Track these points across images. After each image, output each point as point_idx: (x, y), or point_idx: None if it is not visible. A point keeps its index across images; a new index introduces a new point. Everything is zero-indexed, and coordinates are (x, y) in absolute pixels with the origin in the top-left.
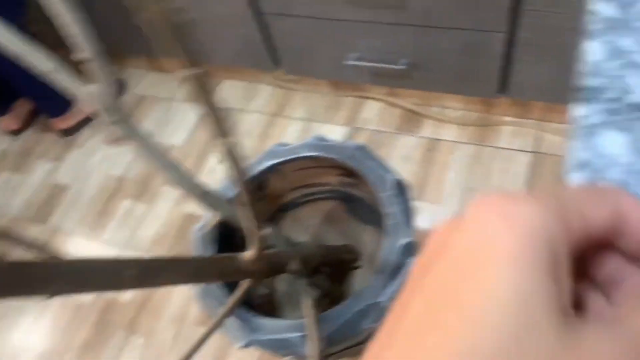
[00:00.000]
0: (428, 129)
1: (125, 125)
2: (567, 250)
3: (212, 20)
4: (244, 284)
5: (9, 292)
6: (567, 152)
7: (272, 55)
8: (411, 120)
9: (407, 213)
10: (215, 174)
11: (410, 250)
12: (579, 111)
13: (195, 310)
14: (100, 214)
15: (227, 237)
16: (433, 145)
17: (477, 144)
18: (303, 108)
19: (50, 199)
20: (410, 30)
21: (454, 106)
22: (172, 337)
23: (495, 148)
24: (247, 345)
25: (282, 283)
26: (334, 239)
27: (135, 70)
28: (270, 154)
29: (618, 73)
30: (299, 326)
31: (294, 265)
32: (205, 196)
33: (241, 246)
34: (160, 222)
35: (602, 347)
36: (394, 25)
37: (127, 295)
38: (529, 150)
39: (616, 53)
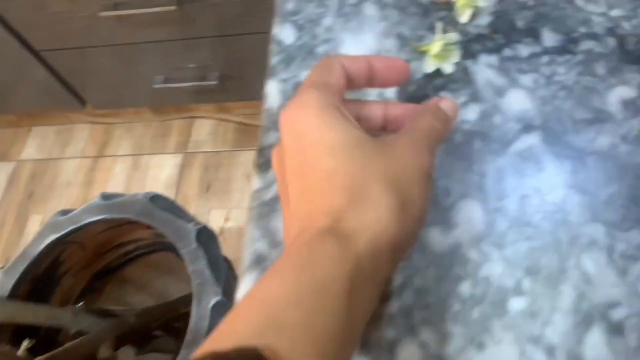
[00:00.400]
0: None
1: None
2: (339, 98)
3: None
4: None
5: None
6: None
7: (73, 93)
8: (246, 133)
9: (216, 266)
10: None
11: (222, 308)
12: (255, 183)
13: None
14: None
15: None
16: None
17: None
18: (128, 142)
19: None
20: (203, 39)
21: None
22: None
23: None
24: None
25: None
26: (173, 290)
27: None
28: (51, 227)
29: None
30: None
31: (104, 352)
32: None
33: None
34: None
35: (400, 142)
36: (190, 40)
37: None
38: None
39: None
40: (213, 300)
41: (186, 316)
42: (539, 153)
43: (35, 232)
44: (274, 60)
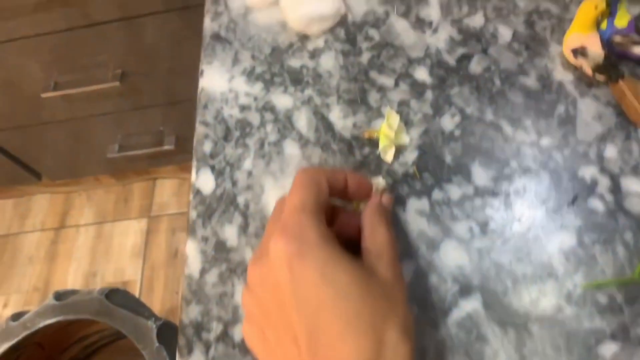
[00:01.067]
0: None
1: None
2: (322, 218)
3: None
4: None
5: None
6: None
7: (26, 167)
8: None
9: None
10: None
11: None
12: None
13: None
14: None
15: None
16: None
17: None
18: (90, 210)
19: None
20: (154, 106)
21: None
22: None
23: None
24: None
25: None
26: None
27: None
28: (4, 334)
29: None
30: None
31: None
32: None
33: None
34: None
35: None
36: (140, 109)
37: None
38: None
39: (217, 261)
40: None
41: None
42: (480, 322)
43: None
44: (192, 214)
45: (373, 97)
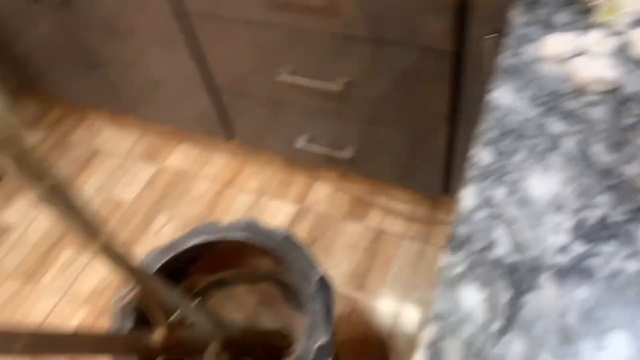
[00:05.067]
0: (376, 219)
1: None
2: None
3: (170, 87)
4: None
5: None
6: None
7: (227, 127)
8: (359, 207)
9: (328, 312)
10: (160, 235)
11: (326, 351)
12: (445, 259)
13: None
14: (41, 260)
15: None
16: (379, 236)
17: (423, 242)
18: (256, 180)
19: None
20: (355, 119)
21: (403, 199)
22: None
23: (439, 248)
24: None
25: None
26: (268, 322)
27: (94, 122)
28: (200, 230)
29: (485, 224)
30: None
31: (214, 347)
32: (124, 265)
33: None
34: (99, 278)
35: None
36: (340, 114)
37: None
38: None
39: (486, 203)
40: (320, 341)
41: (273, 350)
42: None
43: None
44: (470, 173)
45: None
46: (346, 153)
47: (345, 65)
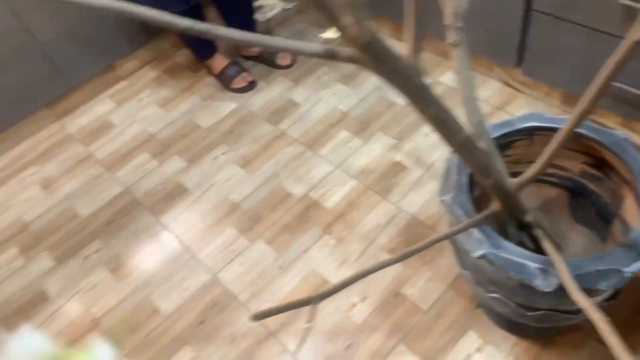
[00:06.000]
0: None
1: None
2: None
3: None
4: (495, 206)
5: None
6: None
7: (519, 52)
8: None
9: None
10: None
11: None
12: None
13: (383, 239)
14: (321, 134)
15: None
16: None
17: None
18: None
19: (284, 110)
20: None
21: None
22: (359, 250)
23: None
24: (482, 257)
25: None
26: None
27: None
28: (530, 117)
29: None
30: (541, 260)
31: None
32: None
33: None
34: (369, 159)
35: None
36: None
37: (330, 203)
38: None
39: None
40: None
41: None
42: None
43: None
44: None
45: None
46: None
47: None
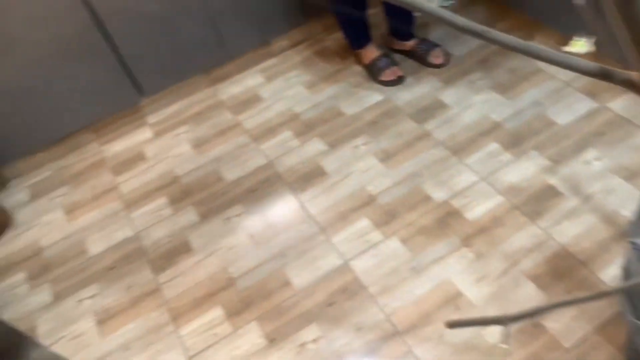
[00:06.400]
0: None
1: None
2: None
3: None
4: None
5: None
6: None
7: None
8: None
9: None
10: (590, 166)
11: None
12: None
13: (528, 263)
14: (469, 141)
15: None
16: None
17: None
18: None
19: (431, 109)
20: None
21: None
22: (500, 270)
23: None
24: None
25: None
26: None
27: (542, 40)
28: None
29: None
30: None
31: None
32: None
33: None
34: (520, 177)
35: None
36: None
37: (473, 215)
38: None
39: None
40: None
41: None
42: None
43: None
44: None
45: None
46: None
47: None
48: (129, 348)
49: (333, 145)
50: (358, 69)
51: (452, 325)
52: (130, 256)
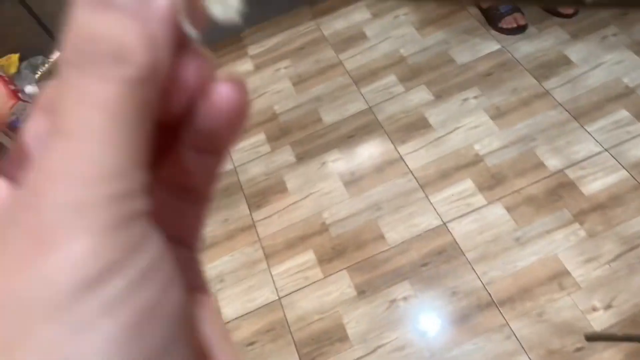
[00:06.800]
0: None
1: None
2: None
3: None
4: None
5: None
6: None
7: None
8: None
9: None
10: None
11: None
12: None
13: None
14: (594, 106)
15: None
16: None
17: None
18: None
19: (554, 66)
20: None
21: None
22: (615, 253)
23: None
24: None
25: None
26: None
27: None
28: None
29: None
30: None
31: None
32: None
33: None
34: None
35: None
36: None
37: (590, 189)
38: None
39: None
40: None
41: None
42: None
43: None
44: None
45: None
46: None
47: None
48: (223, 280)
49: (440, 95)
50: (474, 11)
51: (590, 338)
52: (227, 189)
